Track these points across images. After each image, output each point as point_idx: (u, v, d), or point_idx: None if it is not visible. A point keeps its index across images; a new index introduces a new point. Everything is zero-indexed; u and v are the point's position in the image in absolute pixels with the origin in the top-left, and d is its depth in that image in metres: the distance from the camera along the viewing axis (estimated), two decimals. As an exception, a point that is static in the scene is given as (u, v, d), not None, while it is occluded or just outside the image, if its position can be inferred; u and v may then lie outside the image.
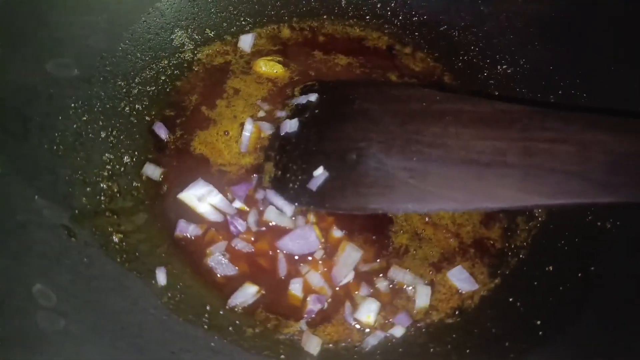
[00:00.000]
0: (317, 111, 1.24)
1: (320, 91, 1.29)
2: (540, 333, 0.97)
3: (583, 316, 0.96)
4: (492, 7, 1.37)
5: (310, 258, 1.11)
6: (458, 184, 0.99)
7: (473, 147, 1.01)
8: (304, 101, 1.26)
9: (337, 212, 1.13)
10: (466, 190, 0.98)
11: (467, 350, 0.99)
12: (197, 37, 1.38)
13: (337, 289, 1.08)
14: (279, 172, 1.17)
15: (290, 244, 1.10)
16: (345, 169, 1.09)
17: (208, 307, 1.03)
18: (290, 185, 1.13)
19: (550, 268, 1.07)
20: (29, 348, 0.76)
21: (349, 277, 1.08)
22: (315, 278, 1.08)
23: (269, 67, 1.37)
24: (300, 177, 1.13)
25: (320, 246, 1.11)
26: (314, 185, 1.09)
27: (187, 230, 1.11)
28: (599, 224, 1.06)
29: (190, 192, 1.14)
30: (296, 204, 1.12)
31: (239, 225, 1.12)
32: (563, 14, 1.22)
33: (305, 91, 1.32)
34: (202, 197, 1.13)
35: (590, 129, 0.92)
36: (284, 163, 1.18)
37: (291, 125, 1.20)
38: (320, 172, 1.09)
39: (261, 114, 1.28)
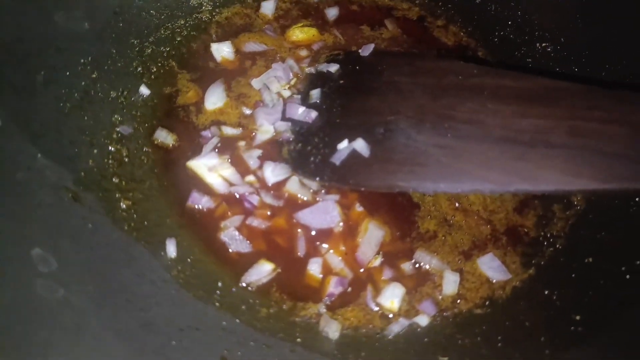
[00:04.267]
0: (341, 82, 1.16)
1: (345, 62, 1.21)
2: (580, 329, 0.89)
3: (627, 313, 0.88)
4: (533, -20, 1.29)
5: (329, 239, 1.03)
6: (496, 163, 0.91)
7: (513, 125, 0.93)
8: (324, 70, 1.18)
9: (361, 189, 1.05)
10: (505, 170, 0.90)
11: (499, 344, 0.91)
12: (216, -1, 1.30)
13: (362, 270, 1.00)
14: (299, 145, 1.08)
15: (310, 216, 1.02)
16: (372, 143, 1.01)
17: (220, 284, 0.95)
18: (312, 158, 1.05)
19: (590, 260, 0.99)
20: (26, 316, 0.69)
21: (377, 261, 1.00)
22: (335, 259, 1.00)
23: (305, 33, 1.28)
24: (322, 151, 1.04)
25: (340, 223, 1.03)
26: (337, 159, 1.01)
27: (200, 201, 1.03)
28: (644, 215, 0.97)
29: (201, 161, 1.06)
30: (317, 178, 1.04)
31: (253, 199, 1.03)
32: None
33: (329, 60, 1.23)
34: (213, 168, 1.05)
35: None
36: (304, 135, 1.10)
37: (313, 96, 1.12)
38: (345, 146, 1.01)
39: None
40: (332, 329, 0.92)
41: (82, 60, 1.04)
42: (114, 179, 0.99)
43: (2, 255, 0.71)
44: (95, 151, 0.99)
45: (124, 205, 0.96)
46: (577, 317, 0.90)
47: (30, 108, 0.93)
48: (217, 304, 0.91)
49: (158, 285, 0.90)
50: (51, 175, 0.89)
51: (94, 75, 1.05)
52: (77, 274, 0.80)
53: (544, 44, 1.29)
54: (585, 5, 1.19)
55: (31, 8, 0.97)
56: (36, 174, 0.87)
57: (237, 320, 0.90)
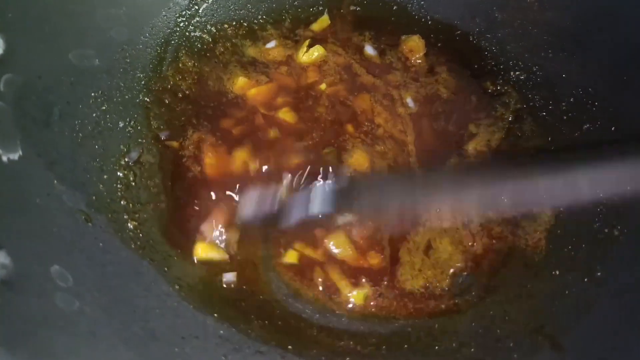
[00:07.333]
0: None
1: None
2: (546, 336, 0.98)
3: (587, 321, 0.97)
4: (507, 14, 1.39)
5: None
6: None
7: None
8: None
9: None
10: None
11: (472, 349, 1.00)
12: (215, 32, 1.41)
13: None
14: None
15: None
16: None
17: (217, 297, 1.05)
18: None
19: (557, 272, 1.08)
20: (48, 324, 0.78)
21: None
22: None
23: (309, 56, 1.35)
24: None
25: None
26: None
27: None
28: (606, 230, 1.07)
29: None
30: None
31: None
32: (577, 24, 1.24)
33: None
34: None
35: None
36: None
37: None
38: None
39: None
40: (320, 336, 1.02)
41: (93, 94, 1.14)
42: (122, 202, 1.09)
43: (27, 271, 0.81)
44: (105, 177, 1.09)
45: (131, 226, 1.07)
46: (543, 325, 0.99)
47: (47, 138, 1.02)
48: (215, 314, 1.01)
49: (161, 298, 0.99)
50: (66, 199, 0.99)
51: (104, 108, 1.15)
52: (90, 288, 0.89)
53: (517, 73, 1.39)
54: (556, 38, 1.30)
55: (49, 49, 1.07)
56: (54, 199, 0.96)
57: (234, 329, 0.99)
